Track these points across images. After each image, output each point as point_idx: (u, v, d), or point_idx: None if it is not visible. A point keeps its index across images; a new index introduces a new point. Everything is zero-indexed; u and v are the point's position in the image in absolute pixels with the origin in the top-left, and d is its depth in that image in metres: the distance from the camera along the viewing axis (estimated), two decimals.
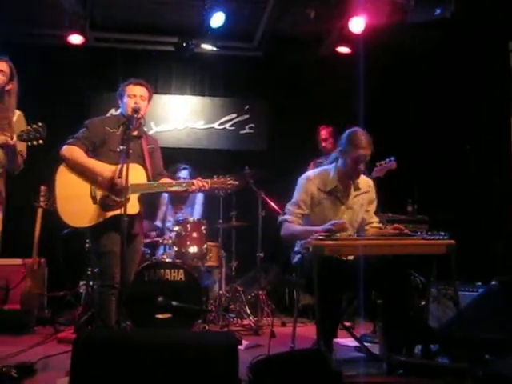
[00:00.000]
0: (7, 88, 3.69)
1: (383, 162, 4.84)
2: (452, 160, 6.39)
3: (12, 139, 3.42)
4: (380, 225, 4.00)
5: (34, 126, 3.46)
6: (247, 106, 7.27)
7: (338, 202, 3.81)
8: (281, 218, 3.86)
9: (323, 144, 5.62)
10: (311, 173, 3.92)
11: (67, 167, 3.73)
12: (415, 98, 6.66)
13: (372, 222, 3.96)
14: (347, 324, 4.47)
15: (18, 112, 3.77)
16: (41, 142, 3.51)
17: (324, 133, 5.63)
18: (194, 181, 3.80)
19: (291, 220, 3.76)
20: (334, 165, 3.86)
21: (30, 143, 3.51)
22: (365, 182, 3.94)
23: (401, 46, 6.30)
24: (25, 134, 3.41)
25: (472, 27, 5.87)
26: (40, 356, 3.76)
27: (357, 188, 3.82)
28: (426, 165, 6.52)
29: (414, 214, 5.40)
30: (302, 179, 3.86)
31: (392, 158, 4.84)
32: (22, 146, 3.65)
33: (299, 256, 3.79)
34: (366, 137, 3.68)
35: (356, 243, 3.43)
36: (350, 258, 3.65)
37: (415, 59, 6.54)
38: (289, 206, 3.85)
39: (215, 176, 3.84)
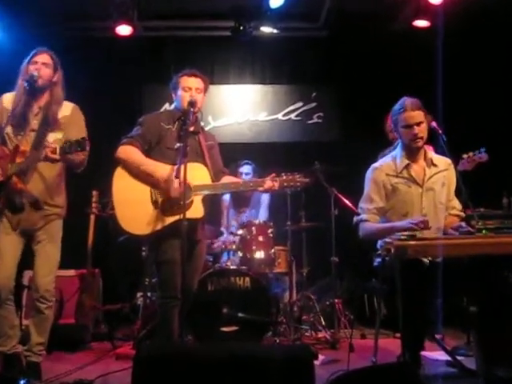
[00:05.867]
0: (54, 80, 3.85)
1: (472, 154, 4.73)
2: None
3: (55, 152, 3.55)
4: (461, 213, 3.91)
5: (77, 139, 3.57)
6: (314, 93, 7.25)
7: (414, 184, 3.80)
8: (355, 218, 3.89)
9: (391, 136, 5.54)
10: (376, 164, 3.97)
11: (124, 169, 3.83)
12: (507, 76, 6.44)
13: (453, 208, 3.89)
14: (437, 336, 4.40)
15: (71, 105, 3.93)
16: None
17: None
18: (267, 180, 3.83)
19: (366, 218, 3.79)
20: (398, 146, 3.93)
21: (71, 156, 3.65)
22: (441, 159, 3.94)
23: (485, 13, 6.09)
24: (67, 147, 3.55)
25: None
26: (98, 373, 3.89)
27: (430, 164, 3.85)
28: None
29: (511, 208, 5.24)
30: (368, 172, 3.93)
31: (482, 150, 4.72)
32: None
33: (380, 259, 3.76)
34: (410, 100, 3.79)
35: (444, 243, 3.36)
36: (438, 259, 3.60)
37: (503, 27, 6.32)
38: (361, 204, 3.90)
39: (283, 174, 3.86)
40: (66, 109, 3.89)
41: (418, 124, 3.74)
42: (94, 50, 6.65)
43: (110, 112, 6.49)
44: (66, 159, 3.64)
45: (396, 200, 3.81)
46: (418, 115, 3.75)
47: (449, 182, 3.89)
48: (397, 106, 3.82)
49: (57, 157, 3.54)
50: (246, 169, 5.97)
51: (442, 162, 3.92)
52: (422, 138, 3.77)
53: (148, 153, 3.86)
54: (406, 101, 3.79)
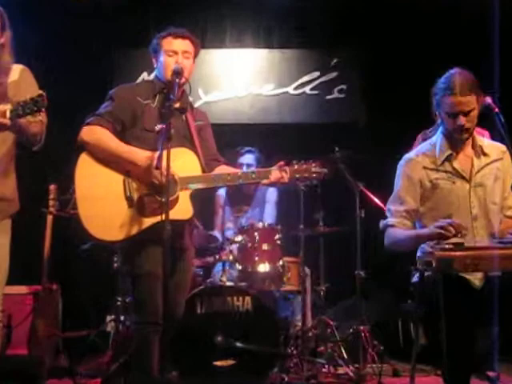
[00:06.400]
0: (0, 42, 3.85)
1: None
2: None
3: (5, 116, 3.55)
4: None
5: (31, 96, 3.56)
6: (335, 60, 7.26)
7: (459, 178, 3.76)
8: (382, 223, 3.86)
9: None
10: (411, 153, 3.93)
11: (90, 157, 3.80)
12: None
13: (509, 207, 3.86)
14: (491, 373, 4.40)
15: (19, 67, 3.92)
16: (40, 117, 3.65)
17: None
18: (273, 171, 3.83)
19: (393, 223, 3.77)
20: (439, 131, 3.88)
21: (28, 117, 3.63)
22: (494, 146, 3.89)
23: None
24: (20, 108, 3.53)
25: None
26: None
27: (480, 153, 3.79)
28: None
29: None
30: (400, 164, 3.89)
31: None
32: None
33: (418, 274, 3.75)
34: (460, 78, 3.64)
35: (501, 253, 3.35)
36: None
37: None
38: (389, 205, 3.88)
39: (294, 162, 3.85)
40: (14, 73, 3.87)
41: (467, 113, 3.65)
42: (52, 4, 6.65)
43: (73, 84, 6.49)
44: (18, 126, 3.63)
45: (437, 199, 3.76)
46: (468, 102, 3.63)
47: (504, 174, 3.84)
48: (442, 83, 3.71)
49: (7, 121, 3.55)
50: (247, 159, 5.97)
51: (495, 149, 3.87)
52: (468, 129, 3.72)
53: (121, 136, 3.84)
54: (455, 78, 3.66)
